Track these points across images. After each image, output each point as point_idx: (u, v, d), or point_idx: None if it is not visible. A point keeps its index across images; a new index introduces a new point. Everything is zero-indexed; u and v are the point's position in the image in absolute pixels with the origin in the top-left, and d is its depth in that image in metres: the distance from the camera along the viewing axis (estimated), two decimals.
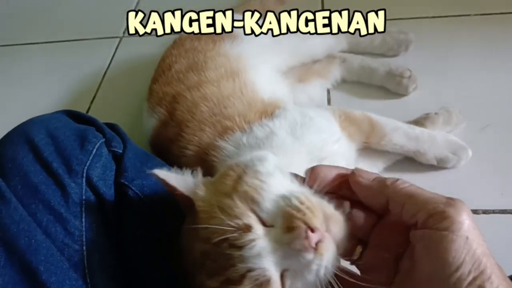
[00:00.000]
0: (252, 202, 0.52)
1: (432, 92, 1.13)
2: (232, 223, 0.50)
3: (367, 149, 0.94)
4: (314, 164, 0.56)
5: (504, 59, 1.18)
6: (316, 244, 0.48)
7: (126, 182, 0.69)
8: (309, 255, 0.48)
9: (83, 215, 0.63)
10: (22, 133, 0.68)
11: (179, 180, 0.59)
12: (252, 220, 0.51)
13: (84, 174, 0.65)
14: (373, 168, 0.96)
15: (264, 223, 0.52)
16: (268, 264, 0.49)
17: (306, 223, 0.48)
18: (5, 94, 1.40)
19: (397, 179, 0.50)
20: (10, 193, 0.60)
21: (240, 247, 0.49)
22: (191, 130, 0.85)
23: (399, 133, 0.93)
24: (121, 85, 1.34)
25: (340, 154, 0.85)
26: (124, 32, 1.55)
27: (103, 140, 0.71)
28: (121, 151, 0.72)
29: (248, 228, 0.50)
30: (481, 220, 0.88)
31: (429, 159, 0.95)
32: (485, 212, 0.89)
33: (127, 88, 1.31)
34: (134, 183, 0.70)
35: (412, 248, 0.47)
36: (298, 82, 1.17)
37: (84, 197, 0.64)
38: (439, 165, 0.96)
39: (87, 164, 0.66)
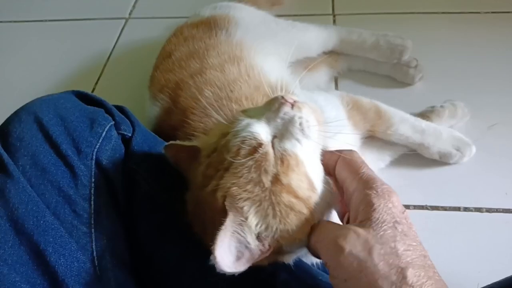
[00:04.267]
0: (244, 112, 0.62)
1: (439, 85, 1.14)
2: (227, 122, 0.61)
3: (374, 143, 0.95)
4: None
5: None
6: (293, 103, 0.57)
7: (134, 166, 0.69)
8: (288, 108, 0.57)
9: (92, 197, 0.62)
10: (31, 112, 0.66)
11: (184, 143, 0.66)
12: (241, 115, 0.60)
13: (94, 157, 0.65)
14: (379, 161, 0.96)
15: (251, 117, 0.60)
16: (256, 129, 0.56)
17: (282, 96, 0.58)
18: (10, 72, 1.38)
19: None
20: (18, 172, 0.59)
21: (233, 130, 0.57)
22: (196, 117, 0.84)
23: (406, 125, 0.93)
24: (127, 67, 1.33)
25: (342, 142, 0.84)
26: (130, 13, 1.53)
27: (113, 122, 0.70)
28: (130, 135, 0.72)
29: (238, 118, 0.59)
30: (484, 218, 0.89)
31: (432, 154, 0.95)
32: (488, 210, 0.90)
33: (132, 69, 1.30)
34: (142, 167, 0.70)
35: None
36: (306, 70, 1.16)
37: (93, 179, 0.64)
38: (441, 160, 0.96)
39: (97, 146, 0.66)
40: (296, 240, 0.55)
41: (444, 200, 0.92)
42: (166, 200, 0.68)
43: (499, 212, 0.89)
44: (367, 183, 0.52)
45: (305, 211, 0.54)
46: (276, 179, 0.53)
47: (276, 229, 0.54)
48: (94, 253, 0.59)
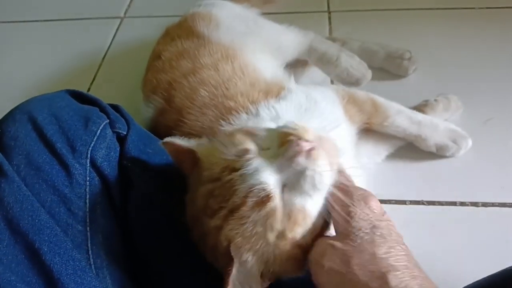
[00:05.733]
0: (251, 135, 0.57)
1: (433, 79, 1.14)
2: (232, 150, 0.55)
3: (370, 137, 0.95)
4: None
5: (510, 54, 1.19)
6: (308, 151, 0.51)
7: (129, 164, 0.69)
8: (302, 159, 0.51)
9: (87, 196, 0.63)
10: (25, 111, 0.67)
11: (184, 142, 0.63)
12: (250, 145, 0.55)
13: (89, 155, 0.65)
14: (375, 156, 0.97)
15: (262, 149, 0.55)
16: (266, 178, 0.52)
17: (298, 137, 0.52)
18: (5, 72, 1.37)
19: None
20: (13, 171, 0.59)
21: (240, 169, 0.53)
22: (193, 116, 0.84)
23: (402, 116, 0.93)
24: (122, 66, 1.33)
25: (338, 138, 0.84)
26: (125, 13, 1.53)
27: (107, 121, 0.70)
28: (125, 133, 0.72)
29: (246, 151, 0.54)
30: (481, 213, 0.89)
31: (429, 146, 0.95)
32: (484, 205, 0.90)
33: (128, 69, 1.30)
34: (137, 165, 0.70)
35: None
36: (301, 67, 1.16)
37: (88, 178, 0.64)
38: (438, 153, 0.96)
39: (92, 145, 0.66)
40: (292, 273, 0.56)
41: (440, 195, 0.92)
42: (163, 199, 0.68)
43: (495, 206, 0.89)
44: (343, 193, 0.53)
45: (302, 254, 0.54)
46: (281, 235, 0.52)
47: (275, 270, 0.55)
48: (90, 251, 0.59)
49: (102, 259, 0.60)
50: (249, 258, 0.53)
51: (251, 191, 0.51)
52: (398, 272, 0.45)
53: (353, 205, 0.50)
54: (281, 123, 0.58)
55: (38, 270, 0.53)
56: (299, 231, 0.53)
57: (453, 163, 0.96)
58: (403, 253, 0.48)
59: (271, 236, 0.52)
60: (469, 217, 0.88)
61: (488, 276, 0.60)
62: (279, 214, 0.52)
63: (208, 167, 0.57)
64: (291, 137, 0.52)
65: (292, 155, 0.51)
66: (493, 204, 0.90)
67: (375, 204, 0.51)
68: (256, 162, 0.53)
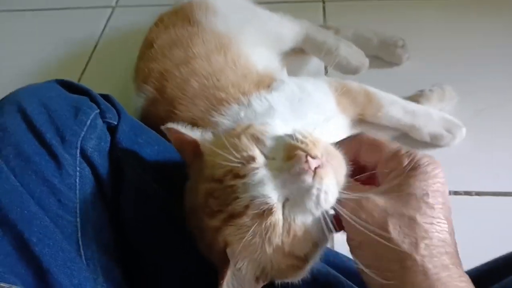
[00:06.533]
0: (257, 141, 0.54)
1: (427, 68, 1.15)
2: (237, 155, 0.52)
3: (364, 128, 0.94)
4: None
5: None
6: (315, 169, 0.49)
7: (121, 154, 0.68)
8: (308, 178, 0.49)
9: (77, 186, 0.61)
10: (14, 102, 0.65)
11: (187, 130, 0.61)
12: (256, 153, 0.52)
13: (79, 145, 0.64)
14: None
15: (267, 158, 0.53)
16: (269, 192, 0.50)
17: (306, 152, 0.49)
18: None
19: None
20: (2, 162, 0.58)
21: (243, 176, 0.51)
22: (184, 107, 0.83)
23: (396, 107, 0.93)
24: (113, 56, 1.32)
25: (331, 130, 0.84)
26: (117, 2, 1.52)
27: (98, 111, 0.69)
28: (115, 123, 0.70)
29: (252, 158, 0.51)
30: (474, 202, 0.89)
31: (423, 135, 0.96)
32: (478, 194, 0.90)
33: (119, 58, 1.29)
34: (128, 155, 0.69)
35: None
36: (294, 55, 1.15)
37: (78, 168, 0.63)
38: (432, 142, 0.97)
39: (82, 135, 0.65)
40: (291, 279, 0.56)
41: None
42: (157, 190, 0.67)
43: (489, 195, 0.90)
44: (406, 160, 0.49)
45: (301, 263, 0.54)
46: (279, 248, 0.51)
47: (272, 275, 0.54)
48: (80, 242, 0.58)
49: (92, 250, 0.59)
50: (245, 264, 0.52)
51: (252, 202, 0.50)
52: (432, 242, 0.44)
53: (421, 173, 0.47)
54: (289, 130, 0.54)
55: (27, 261, 0.52)
56: (297, 246, 0.52)
57: (448, 152, 0.97)
58: (445, 229, 0.46)
59: (269, 248, 0.51)
60: (462, 206, 0.88)
61: (481, 265, 0.60)
62: (279, 229, 0.50)
63: (210, 165, 0.55)
64: (299, 151, 0.50)
65: (298, 171, 0.49)
66: (486, 193, 0.90)
67: (441, 173, 0.48)
68: (260, 173, 0.51)
